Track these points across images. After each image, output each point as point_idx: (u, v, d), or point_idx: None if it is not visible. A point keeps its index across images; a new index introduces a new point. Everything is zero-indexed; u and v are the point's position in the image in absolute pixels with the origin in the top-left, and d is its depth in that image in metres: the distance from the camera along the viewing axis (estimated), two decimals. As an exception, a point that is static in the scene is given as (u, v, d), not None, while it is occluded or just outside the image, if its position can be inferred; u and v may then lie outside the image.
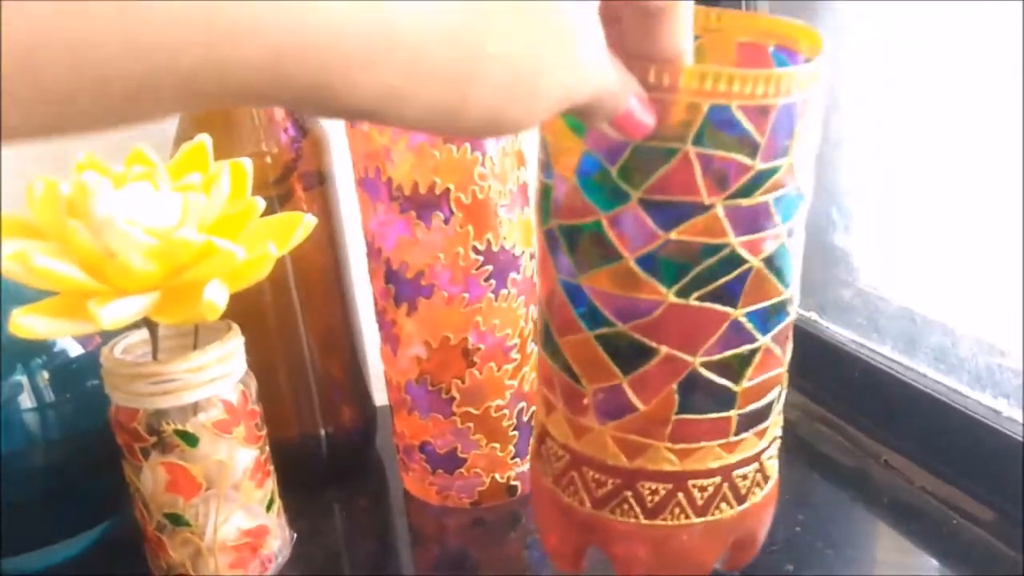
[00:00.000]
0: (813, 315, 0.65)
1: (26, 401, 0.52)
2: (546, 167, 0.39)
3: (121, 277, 0.40)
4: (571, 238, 0.38)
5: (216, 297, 0.40)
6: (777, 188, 0.35)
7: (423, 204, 0.51)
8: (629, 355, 0.38)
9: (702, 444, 0.39)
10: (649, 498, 0.40)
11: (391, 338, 0.56)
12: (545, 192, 0.39)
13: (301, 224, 0.44)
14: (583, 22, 0.27)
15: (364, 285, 0.61)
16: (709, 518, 0.41)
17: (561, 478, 0.42)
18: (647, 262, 0.36)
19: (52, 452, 0.53)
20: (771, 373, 0.40)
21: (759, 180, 0.34)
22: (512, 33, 0.24)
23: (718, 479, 0.40)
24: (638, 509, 0.41)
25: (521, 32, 0.25)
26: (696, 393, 0.38)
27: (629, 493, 0.40)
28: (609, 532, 0.41)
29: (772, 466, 0.43)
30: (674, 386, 0.38)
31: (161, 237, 0.40)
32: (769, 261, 0.36)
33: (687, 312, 0.36)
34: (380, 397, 0.65)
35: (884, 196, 0.61)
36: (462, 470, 0.56)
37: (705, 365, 0.38)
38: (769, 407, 0.41)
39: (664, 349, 0.37)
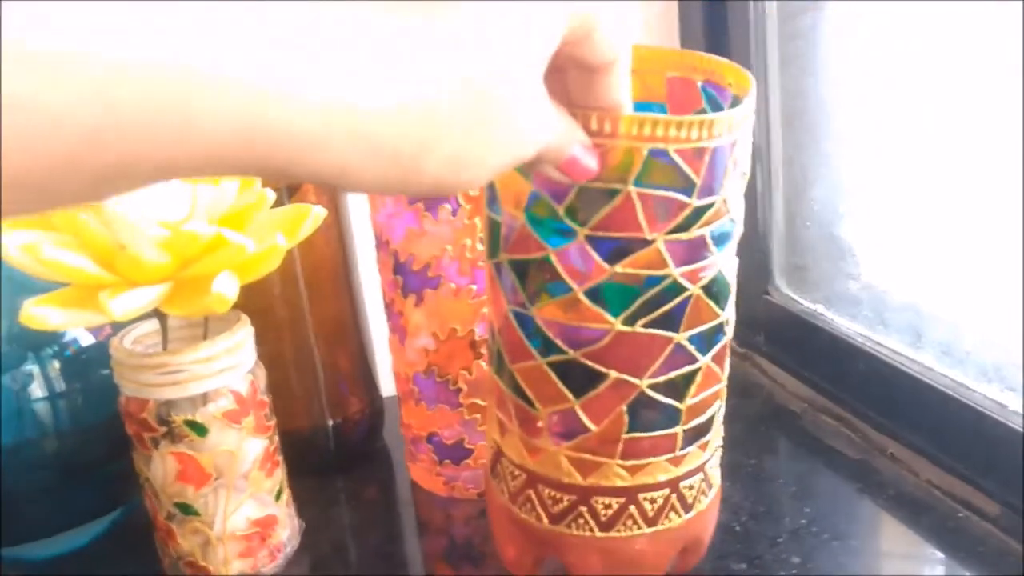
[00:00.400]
0: (819, 308, 0.65)
1: (37, 391, 0.52)
2: (493, 204, 0.41)
3: (132, 269, 0.40)
4: (520, 271, 0.40)
5: (226, 289, 0.40)
6: (712, 221, 0.38)
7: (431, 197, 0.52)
8: (580, 380, 0.40)
9: (651, 460, 0.41)
10: (603, 512, 0.42)
11: (399, 329, 0.56)
12: (493, 227, 0.41)
13: (310, 216, 0.45)
14: (529, 89, 0.28)
15: (371, 277, 0.61)
16: (659, 527, 0.43)
17: (517, 496, 0.44)
18: (594, 293, 0.38)
19: (62, 442, 0.53)
20: (712, 389, 0.42)
21: (696, 215, 0.37)
22: (460, 111, 0.26)
23: (667, 491, 0.42)
24: (592, 523, 0.42)
25: (469, 108, 0.26)
26: (644, 412, 0.41)
27: (584, 508, 0.42)
28: (565, 545, 0.43)
29: (715, 475, 0.46)
30: (623, 407, 0.40)
31: (172, 229, 0.40)
32: (707, 288, 0.39)
33: (633, 338, 0.39)
34: (387, 389, 0.65)
35: (890, 189, 0.61)
36: (469, 461, 0.57)
37: (652, 387, 0.40)
38: (711, 421, 0.43)
39: (613, 373, 0.39)
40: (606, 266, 0.37)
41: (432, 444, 0.57)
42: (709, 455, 0.44)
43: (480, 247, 0.52)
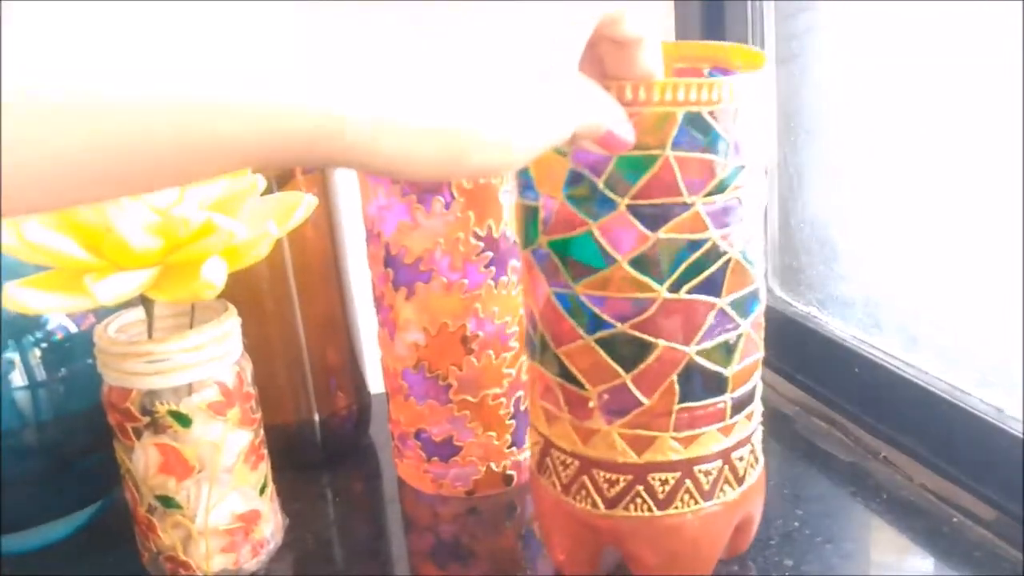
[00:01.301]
0: (813, 311, 0.65)
1: (17, 379, 0.51)
2: (527, 190, 0.41)
3: (119, 253, 0.39)
4: (562, 251, 0.40)
5: (214, 275, 0.39)
6: (743, 183, 0.39)
7: (424, 188, 0.51)
8: (630, 353, 0.40)
9: (703, 430, 0.42)
10: (660, 489, 0.42)
11: (389, 323, 0.55)
12: (530, 214, 0.41)
13: (302, 204, 0.44)
14: (569, 73, 0.30)
15: (361, 271, 0.60)
16: (715, 501, 0.43)
17: (570, 486, 0.44)
18: (639, 263, 0.39)
19: (43, 432, 0.52)
20: (753, 357, 0.43)
21: (730, 177, 0.38)
22: (505, 100, 0.27)
23: (719, 462, 0.43)
24: (650, 502, 0.42)
25: (513, 97, 0.28)
26: (694, 381, 0.41)
27: (641, 487, 0.42)
28: (623, 529, 0.43)
29: (759, 448, 0.46)
30: (674, 377, 0.40)
31: (161, 213, 0.39)
32: (743, 252, 0.40)
33: (679, 305, 0.39)
34: (374, 386, 0.64)
35: (884, 192, 0.61)
36: (457, 458, 0.56)
37: (699, 353, 0.40)
38: (753, 391, 0.44)
39: (662, 342, 0.40)
40: (649, 233, 0.38)
41: (420, 441, 0.56)
42: (754, 427, 0.45)
43: (474, 241, 0.51)
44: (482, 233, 0.51)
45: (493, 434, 0.55)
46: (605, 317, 0.40)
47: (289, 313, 0.59)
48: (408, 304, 0.53)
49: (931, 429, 0.54)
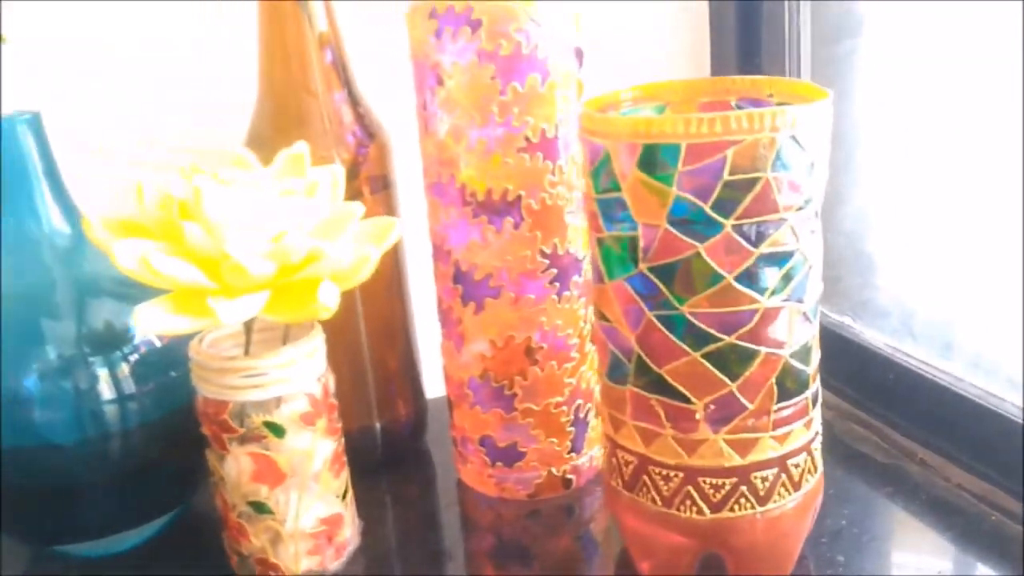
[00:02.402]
0: (847, 320, 0.68)
1: (106, 392, 0.54)
2: (619, 221, 0.44)
3: (236, 277, 0.42)
4: (666, 276, 0.43)
5: (329, 298, 0.42)
6: (818, 199, 0.44)
7: (495, 209, 0.54)
8: (735, 363, 0.43)
9: (793, 426, 0.46)
10: (761, 487, 0.45)
11: (455, 336, 0.58)
12: (623, 243, 0.44)
13: (395, 227, 0.47)
14: None
15: (420, 283, 0.63)
16: (802, 491, 0.47)
17: (673, 498, 0.46)
18: (743, 278, 0.42)
19: (126, 441, 0.55)
20: (818, 354, 0.47)
21: (812, 193, 0.43)
22: None
23: (804, 455, 0.47)
24: (753, 499, 0.45)
25: None
26: (787, 383, 0.45)
27: (744, 488, 0.45)
28: (729, 530, 0.46)
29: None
30: (772, 380, 0.44)
31: (274, 241, 0.42)
32: (817, 259, 0.45)
33: (775, 314, 0.43)
34: (429, 392, 0.67)
35: (917, 207, 0.64)
36: (520, 463, 0.59)
37: (792, 355, 0.44)
38: (819, 385, 0.48)
39: (764, 349, 0.43)
40: (752, 250, 0.41)
41: (484, 446, 0.59)
42: (820, 418, 0.49)
43: (540, 259, 0.54)
44: (548, 251, 0.55)
45: (555, 440, 0.58)
46: (712, 332, 0.43)
47: (354, 325, 0.62)
48: (476, 317, 0.56)
49: (964, 432, 0.58)
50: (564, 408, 0.58)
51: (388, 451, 0.65)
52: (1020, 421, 0.54)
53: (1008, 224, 0.57)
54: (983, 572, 0.51)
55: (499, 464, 0.59)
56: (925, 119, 0.62)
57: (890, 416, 0.63)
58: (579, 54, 0.54)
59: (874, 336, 0.66)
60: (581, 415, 0.59)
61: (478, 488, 0.61)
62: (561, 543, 0.57)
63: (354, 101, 0.60)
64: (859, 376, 0.66)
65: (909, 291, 0.66)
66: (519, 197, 0.53)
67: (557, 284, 0.55)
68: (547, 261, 0.55)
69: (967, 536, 0.53)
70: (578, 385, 0.58)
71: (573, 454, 0.59)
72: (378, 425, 0.64)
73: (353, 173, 0.59)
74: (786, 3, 0.68)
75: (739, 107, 0.48)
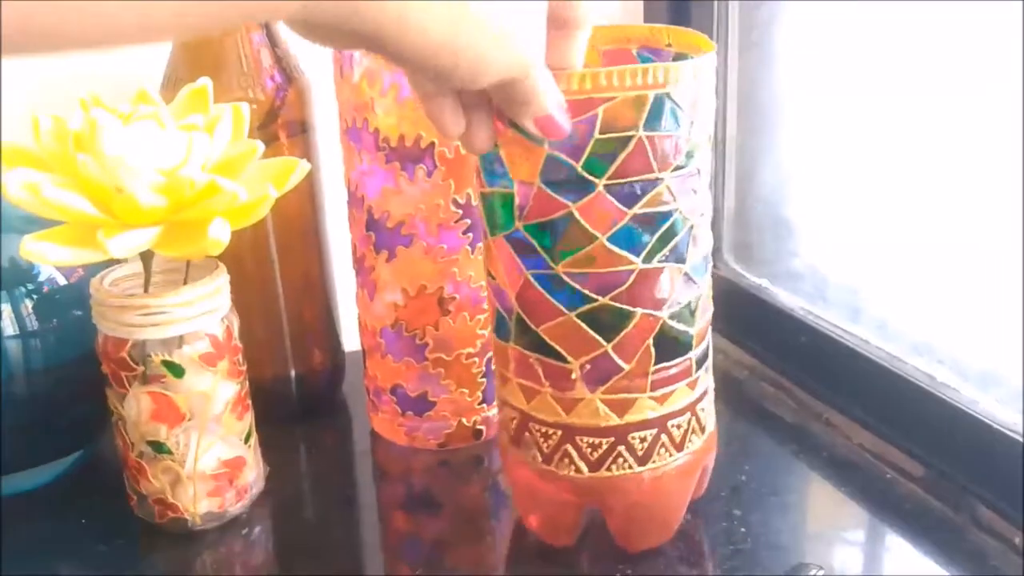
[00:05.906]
0: (764, 283, 0.69)
1: (8, 328, 0.53)
2: (498, 179, 0.43)
3: (128, 211, 0.41)
4: (541, 234, 0.42)
5: (220, 234, 0.42)
6: (700, 157, 0.43)
7: (408, 156, 0.53)
8: (611, 323, 0.43)
9: (675, 387, 0.45)
10: (639, 447, 0.45)
11: (368, 284, 0.58)
12: (503, 201, 0.43)
13: (297, 168, 0.46)
14: (540, 15, 0.33)
15: (338, 233, 0.63)
16: (686, 452, 0.47)
17: (552, 455, 0.46)
18: (617, 238, 0.42)
19: (32, 380, 0.54)
20: (708, 314, 0.47)
21: (691, 152, 0.42)
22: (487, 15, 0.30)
23: (688, 415, 0.46)
24: (631, 459, 0.45)
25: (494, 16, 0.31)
26: (666, 343, 0.44)
27: (622, 447, 0.45)
28: (607, 489, 0.46)
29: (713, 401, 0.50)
30: (650, 341, 0.43)
31: (167, 174, 0.41)
32: (701, 219, 0.44)
33: (653, 274, 0.43)
34: (347, 344, 0.67)
35: (833, 175, 0.65)
36: (431, 413, 0.59)
37: (671, 316, 0.44)
38: (708, 346, 0.48)
39: (639, 311, 0.43)
40: (626, 210, 0.41)
41: (395, 396, 0.59)
42: (710, 379, 0.49)
43: (453, 208, 0.54)
44: (461, 201, 0.54)
45: (465, 391, 0.58)
46: (586, 292, 0.42)
47: (269, 272, 0.61)
48: (388, 266, 0.56)
49: (870, 393, 0.59)
50: (475, 359, 0.58)
51: (304, 400, 0.65)
52: (922, 382, 0.55)
53: (919, 196, 0.58)
54: (876, 526, 0.53)
55: (410, 413, 0.60)
56: (845, 85, 0.63)
57: (800, 376, 0.64)
58: None
59: (788, 299, 0.67)
60: (493, 367, 0.59)
61: (389, 437, 0.61)
62: (470, 492, 0.57)
63: (273, 42, 0.59)
64: (772, 337, 0.67)
65: (823, 257, 0.67)
66: (432, 144, 0.53)
67: (471, 235, 0.55)
68: (460, 211, 0.55)
69: (864, 492, 0.55)
70: (489, 337, 0.58)
71: (484, 405, 0.59)
72: (294, 373, 0.64)
73: (271, 117, 0.58)
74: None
75: (639, 55, 0.48)
